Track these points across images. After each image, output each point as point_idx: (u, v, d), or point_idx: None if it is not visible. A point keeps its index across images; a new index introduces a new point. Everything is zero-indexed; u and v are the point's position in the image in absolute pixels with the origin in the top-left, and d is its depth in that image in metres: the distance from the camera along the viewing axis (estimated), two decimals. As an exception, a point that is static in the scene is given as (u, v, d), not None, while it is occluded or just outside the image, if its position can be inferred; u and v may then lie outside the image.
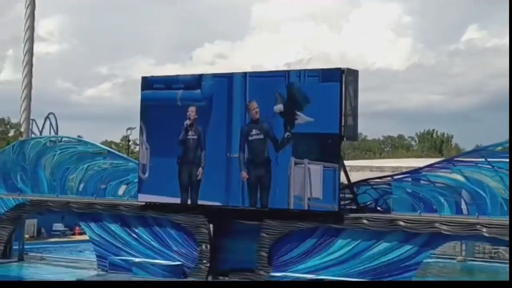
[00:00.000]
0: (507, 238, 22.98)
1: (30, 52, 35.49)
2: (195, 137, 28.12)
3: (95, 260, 30.70)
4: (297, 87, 26.14)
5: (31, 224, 39.88)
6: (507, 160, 23.97)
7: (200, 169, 27.86)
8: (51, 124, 47.82)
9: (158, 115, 29.01)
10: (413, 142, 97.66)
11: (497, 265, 35.05)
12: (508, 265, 34.05)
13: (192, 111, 28.10)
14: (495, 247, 34.90)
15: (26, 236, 36.66)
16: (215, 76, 28.26)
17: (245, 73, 27.44)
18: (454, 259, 36.31)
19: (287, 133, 26.18)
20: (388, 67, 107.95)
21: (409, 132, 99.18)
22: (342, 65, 25.77)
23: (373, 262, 24.91)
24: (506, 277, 32.23)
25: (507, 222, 23.04)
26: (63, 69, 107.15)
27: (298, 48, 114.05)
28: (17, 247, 33.62)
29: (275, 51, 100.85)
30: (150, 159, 29.06)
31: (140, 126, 29.65)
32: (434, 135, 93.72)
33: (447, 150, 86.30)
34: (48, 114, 48.08)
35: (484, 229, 23.32)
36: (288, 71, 26.99)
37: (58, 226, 42.43)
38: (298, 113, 25.98)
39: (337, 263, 25.51)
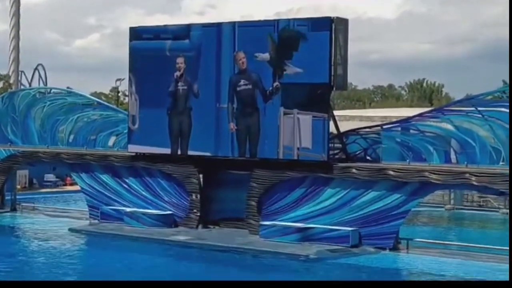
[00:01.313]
0: (496, 187, 23.18)
1: (17, 2, 35.27)
2: (185, 87, 28.10)
3: (87, 210, 30.88)
4: (287, 32, 26.05)
5: (22, 174, 40.03)
6: (497, 109, 24.07)
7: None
8: (40, 75, 47.64)
9: (147, 66, 28.94)
10: (403, 92, 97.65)
11: (485, 213, 35.46)
12: (495, 213, 34.53)
13: (180, 62, 28.03)
14: (484, 195, 35.21)
15: (18, 186, 36.85)
16: (204, 26, 28.13)
17: (234, 23, 27.34)
18: (442, 207, 36.65)
19: (276, 83, 26.17)
20: (380, 16, 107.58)
21: (399, 81, 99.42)
22: (333, 15, 25.65)
23: (362, 211, 25.13)
24: (494, 226, 32.74)
25: (496, 171, 23.22)
26: (51, 20, 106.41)
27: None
28: (9, 197, 33.80)
29: (265, 1, 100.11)
30: (139, 110, 29.07)
31: (129, 77, 29.60)
32: (424, 85, 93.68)
33: (437, 100, 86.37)
34: (37, 66, 47.86)
35: (473, 178, 23.49)
36: (277, 20, 26.87)
37: (50, 177, 42.58)
38: (287, 63, 25.95)
39: (326, 212, 25.73)
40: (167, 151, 28.43)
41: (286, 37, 26.02)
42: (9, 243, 27.26)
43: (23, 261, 23.98)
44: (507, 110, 23.67)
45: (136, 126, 29.11)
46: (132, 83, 29.36)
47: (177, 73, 28.05)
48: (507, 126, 23.63)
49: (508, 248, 21.77)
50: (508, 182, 22.65)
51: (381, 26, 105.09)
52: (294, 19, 26.57)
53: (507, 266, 21.95)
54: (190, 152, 28.00)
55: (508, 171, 22.86)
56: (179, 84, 28.11)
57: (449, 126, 24.94)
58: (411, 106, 64.73)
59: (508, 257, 22.59)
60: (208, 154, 27.70)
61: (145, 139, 28.86)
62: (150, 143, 28.78)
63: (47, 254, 24.71)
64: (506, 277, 20.91)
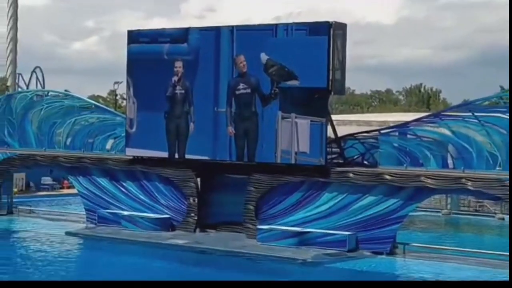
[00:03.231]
0: (492, 192, 23.22)
1: (15, 4, 35.22)
2: (183, 91, 28.12)
3: (84, 213, 30.86)
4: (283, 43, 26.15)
5: (19, 177, 39.98)
6: (494, 114, 24.15)
7: (192, 124, 27.88)
8: (37, 78, 47.53)
9: (145, 69, 28.96)
10: (401, 97, 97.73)
11: (482, 218, 35.49)
12: (491, 217, 34.57)
13: (178, 66, 28.07)
14: (480, 200, 35.25)
15: (15, 189, 36.80)
16: (202, 29, 28.15)
17: (232, 27, 27.35)
18: (439, 212, 36.68)
19: (275, 88, 26.20)
20: (378, 21, 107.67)
21: (397, 86, 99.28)
22: (332, 19, 25.68)
23: (359, 215, 25.16)
24: (490, 231, 32.77)
25: (492, 176, 23.27)
26: (49, 22, 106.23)
27: (288, 2, 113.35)
28: (6, 200, 33.75)
29: (264, 5, 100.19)
30: (137, 113, 29.09)
31: (127, 80, 29.61)
32: (422, 90, 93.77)
33: (434, 105, 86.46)
34: (35, 68, 47.74)
35: (469, 183, 23.55)
36: (276, 25, 26.89)
37: (47, 180, 42.55)
38: (285, 67, 25.97)
39: (323, 216, 25.75)
40: (165, 154, 28.45)
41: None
42: (5, 246, 27.21)
43: (19, 264, 23.92)
44: (504, 116, 23.76)
45: (134, 129, 29.13)
46: (130, 86, 29.37)
47: (175, 78, 28.07)
48: (504, 131, 23.72)
49: (508, 253, 21.80)
50: (504, 187, 22.72)
51: (379, 31, 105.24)
52: (293, 24, 26.60)
53: (502, 271, 22.05)
54: (187, 156, 28.01)
55: (505, 177, 22.92)
56: (177, 88, 28.13)
57: (446, 131, 25.04)
58: (408, 111, 64.79)
59: (507, 262, 22.65)
60: (206, 158, 27.72)
61: (143, 143, 28.87)
62: (147, 147, 28.79)
63: (43, 257, 24.70)
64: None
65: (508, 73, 23.23)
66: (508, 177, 22.75)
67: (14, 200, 34.42)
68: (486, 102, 25.23)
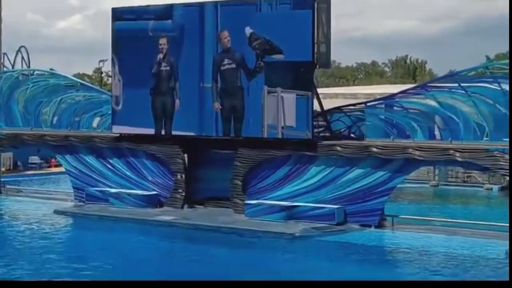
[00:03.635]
0: (479, 162, 23.26)
1: (-2, -16, 34.91)
2: (168, 68, 28.02)
3: (72, 191, 30.82)
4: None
5: (6, 157, 39.90)
6: (480, 84, 24.16)
7: (177, 100, 27.82)
8: (22, 57, 47.20)
9: (130, 46, 28.84)
10: (386, 69, 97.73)
11: (470, 189, 35.68)
12: (477, 187, 34.75)
13: (163, 43, 27.94)
14: (468, 171, 35.40)
15: (2, 169, 36.69)
16: (186, 5, 27.97)
17: (216, 2, 27.17)
18: (427, 184, 36.82)
19: (260, 62, 26.11)
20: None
21: (382, 58, 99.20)
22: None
23: (347, 188, 25.19)
24: (478, 202, 32.96)
25: (480, 147, 23.30)
26: (33, 2, 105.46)
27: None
28: (-6, 180, 33.66)
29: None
30: (123, 91, 28.99)
31: (112, 58, 29.46)
32: (408, 61, 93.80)
33: (420, 76, 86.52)
34: (19, 48, 47.40)
35: (457, 154, 23.55)
36: (260, 0, 26.72)
37: (34, 159, 42.52)
38: (270, 41, 25.89)
39: (311, 189, 25.78)
40: (152, 131, 28.39)
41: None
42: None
43: (7, 243, 23.89)
44: (491, 86, 23.76)
45: (120, 107, 29.04)
46: (115, 64, 29.24)
47: (160, 55, 27.94)
48: (490, 101, 23.73)
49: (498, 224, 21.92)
50: (492, 158, 22.82)
51: (364, 3, 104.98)
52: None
53: (491, 241, 22.24)
54: (174, 132, 27.96)
55: (492, 147, 22.98)
56: (162, 65, 28.01)
57: (433, 103, 25.03)
58: (394, 83, 64.81)
59: (497, 232, 22.88)
60: (192, 134, 27.68)
61: (129, 120, 28.82)
62: (134, 124, 28.75)
63: (32, 236, 24.66)
64: (490, 252, 21.21)
65: (508, 71, 23.21)
66: (495, 147, 22.85)
67: (2, 179, 34.32)
68: (472, 73, 25.19)
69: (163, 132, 28.19)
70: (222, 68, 26.84)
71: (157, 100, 28.22)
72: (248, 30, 26.17)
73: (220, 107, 26.86)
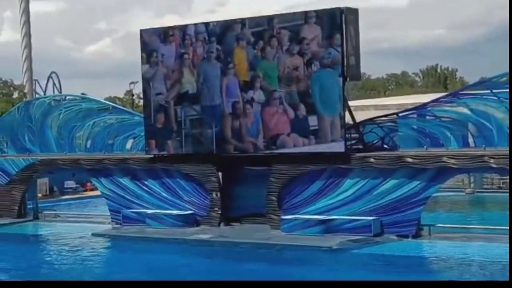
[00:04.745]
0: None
1: (26, 11, 35.34)
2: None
3: (109, 214, 31.02)
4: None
5: (42, 183, 40.23)
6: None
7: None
8: (54, 83, 47.79)
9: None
10: (417, 78, 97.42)
11: (506, 195, 35.26)
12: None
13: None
14: (503, 177, 35.07)
15: (39, 195, 37.01)
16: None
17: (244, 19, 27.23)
18: (463, 192, 36.57)
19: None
20: (390, 3, 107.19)
21: (413, 68, 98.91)
22: (343, 5, 25.59)
23: (382, 199, 25.14)
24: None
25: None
26: (61, 27, 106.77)
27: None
28: (31, 206, 33.98)
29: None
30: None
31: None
32: (439, 70, 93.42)
33: (452, 84, 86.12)
34: (50, 74, 47.99)
35: (492, 160, 23.44)
36: (283, 15, 26.87)
37: (70, 184, 42.81)
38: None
39: (346, 202, 25.75)
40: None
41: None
42: (34, 251, 27.47)
43: (50, 267, 24.12)
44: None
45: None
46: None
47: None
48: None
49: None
50: (527, 163, 22.62)
51: (392, 13, 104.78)
52: (304, 12, 26.45)
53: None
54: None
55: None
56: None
57: (465, 110, 24.91)
58: (426, 93, 64.51)
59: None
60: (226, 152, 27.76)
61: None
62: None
63: (72, 259, 24.90)
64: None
65: (508, 70, 23.13)
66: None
67: (39, 205, 34.66)
68: (504, 78, 25.00)
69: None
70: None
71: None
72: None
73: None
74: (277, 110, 26.40)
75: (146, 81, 28.75)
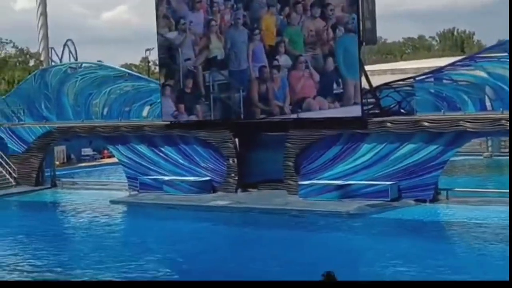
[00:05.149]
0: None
1: (42, -21, 35.21)
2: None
3: (126, 181, 31.14)
4: None
5: (60, 150, 40.47)
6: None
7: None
8: (70, 51, 47.53)
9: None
10: (434, 42, 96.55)
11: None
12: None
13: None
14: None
15: (57, 162, 37.21)
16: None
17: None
18: (480, 155, 36.42)
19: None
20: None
21: (429, 32, 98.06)
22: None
23: (399, 164, 25.09)
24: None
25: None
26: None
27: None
28: (49, 174, 34.18)
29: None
30: (171, 78, 29.19)
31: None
32: (455, 33, 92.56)
33: (469, 48, 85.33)
34: (66, 41, 47.74)
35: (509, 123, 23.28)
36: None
37: (87, 151, 43.05)
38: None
39: (363, 167, 25.73)
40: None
41: None
42: (54, 218, 27.70)
43: (68, 236, 24.32)
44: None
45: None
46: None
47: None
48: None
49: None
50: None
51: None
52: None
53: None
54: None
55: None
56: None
57: (482, 73, 24.71)
58: (442, 56, 64.05)
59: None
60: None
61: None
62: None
63: (91, 226, 25.03)
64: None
65: (508, 69, 22.85)
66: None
67: (56, 173, 34.84)
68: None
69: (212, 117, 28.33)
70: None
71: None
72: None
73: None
74: (303, 74, 26.32)
75: (175, 47, 28.66)
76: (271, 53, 26.81)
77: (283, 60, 26.60)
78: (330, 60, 25.80)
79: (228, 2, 27.42)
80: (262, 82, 27.02)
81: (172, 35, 28.64)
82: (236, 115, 27.60)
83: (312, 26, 25.97)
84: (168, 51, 28.99)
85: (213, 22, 27.70)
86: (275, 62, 26.71)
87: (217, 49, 27.82)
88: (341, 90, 25.66)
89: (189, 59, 28.46)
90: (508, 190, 21.96)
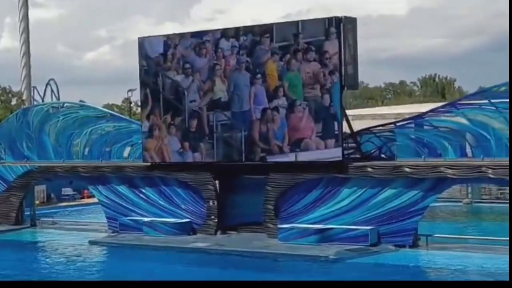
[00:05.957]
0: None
1: (25, 18, 35.22)
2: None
3: (106, 222, 30.96)
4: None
5: (40, 190, 40.22)
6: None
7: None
8: (52, 90, 47.74)
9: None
10: (415, 88, 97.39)
11: (504, 205, 35.22)
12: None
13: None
14: (501, 188, 35.05)
15: (37, 202, 36.94)
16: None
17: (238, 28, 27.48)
18: (460, 202, 36.52)
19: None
20: (390, 13, 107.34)
21: (411, 78, 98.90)
22: (342, 14, 25.68)
23: (380, 209, 25.11)
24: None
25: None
26: (62, 34, 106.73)
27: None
28: (28, 213, 33.93)
29: (274, 3, 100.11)
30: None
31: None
32: (437, 79, 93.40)
33: (450, 94, 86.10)
34: (49, 81, 47.94)
35: (490, 171, 23.41)
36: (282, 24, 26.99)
37: (67, 191, 42.80)
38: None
39: (343, 211, 25.73)
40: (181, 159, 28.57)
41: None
42: (31, 258, 27.41)
43: (46, 275, 24.06)
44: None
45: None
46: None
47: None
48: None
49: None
50: (525, 173, 22.58)
51: (391, 23, 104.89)
52: (303, 21, 26.56)
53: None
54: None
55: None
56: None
57: (463, 120, 24.87)
58: (423, 102, 64.53)
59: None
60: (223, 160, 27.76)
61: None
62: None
63: (69, 267, 24.79)
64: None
65: (508, 73, 23.13)
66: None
67: (36, 212, 34.58)
68: (502, 88, 24.91)
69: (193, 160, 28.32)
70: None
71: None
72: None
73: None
74: (301, 115, 26.41)
75: (182, 90, 28.78)
76: (272, 96, 26.96)
77: (282, 102, 26.77)
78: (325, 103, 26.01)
79: (233, 48, 27.69)
80: (263, 122, 27.15)
81: (179, 77, 28.86)
82: (238, 154, 27.50)
83: (307, 67, 26.12)
84: (175, 93, 29.03)
85: (217, 67, 27.97)
86: (275, 104, 26.81)
87: (221, 91, 28.04)
88: (337, 132, 25.81)
89: (194, 100, 28.62)
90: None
